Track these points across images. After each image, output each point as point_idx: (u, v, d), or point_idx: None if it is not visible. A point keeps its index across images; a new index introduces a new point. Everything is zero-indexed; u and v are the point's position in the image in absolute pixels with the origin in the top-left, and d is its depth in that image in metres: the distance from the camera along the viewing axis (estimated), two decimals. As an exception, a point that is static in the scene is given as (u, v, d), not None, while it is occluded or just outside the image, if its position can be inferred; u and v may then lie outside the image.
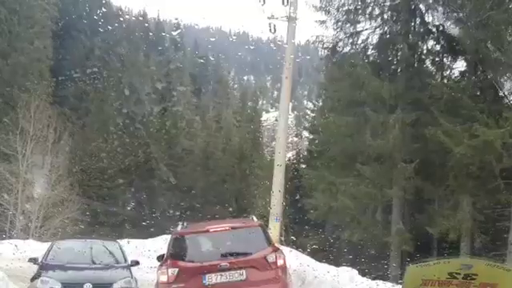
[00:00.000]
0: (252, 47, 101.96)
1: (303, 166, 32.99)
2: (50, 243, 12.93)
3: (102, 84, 41.57)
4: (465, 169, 19.09)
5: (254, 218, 10.41)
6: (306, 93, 75.02)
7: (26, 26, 41.29)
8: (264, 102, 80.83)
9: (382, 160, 21.94)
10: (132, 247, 16.15)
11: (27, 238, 23.86)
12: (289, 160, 30.69)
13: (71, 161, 30.64)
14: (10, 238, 24.69)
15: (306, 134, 46.07)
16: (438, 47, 23.70)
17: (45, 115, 30.01)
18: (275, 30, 25.84)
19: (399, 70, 23.63)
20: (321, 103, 33.61)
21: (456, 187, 19.95)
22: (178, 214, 34.73)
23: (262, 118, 61.31)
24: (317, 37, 24.90)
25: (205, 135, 43.33)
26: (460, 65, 23.01)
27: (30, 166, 28.81)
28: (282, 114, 26.71)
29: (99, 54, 44.17)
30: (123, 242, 16.53)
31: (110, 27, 46.42)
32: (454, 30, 22.62)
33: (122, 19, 49.41)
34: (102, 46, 44.92)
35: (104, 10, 49.11)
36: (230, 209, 33.95)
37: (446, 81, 22.84)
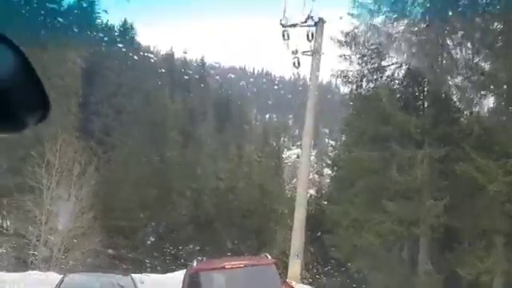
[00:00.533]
0: (275, 86, 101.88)
1: (325, 202, 31.49)
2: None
3: (127, 119, 41.20)
4: (499, 207, 17.44)
5: (268, 256, 10.59)
6: (327, 131, 74.21)
7: (57, 63, 41.22)
8: (286, 139, 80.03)
9: (409, 196, 20.54)
10: (149, 282, 14.93)
11: (48, 270, 23.35)
12: (310, 196, 29.19)
13: (94, 194, 29.84)
14: (32, 269, 24.07)
15: (327, 171, 45.04)
16: (466, 83, 22.46)
17: (71, 149, 29.53)
18: (299, 65, 25.11)
19: (426, 105, 22.66)
20: (344, 138, 32.48)
21: (488, 226, 18.26)
22: (197, 248, 33.61)
23: (284, 155, 60.82)
24: (341, 71, 24.08)
25: (227, 170, 42.39)
26: (490, 101, 21.76)
27: (55, 198, 28.17)
28: (304, 144, 25.51)
29: (126, 91, 43.98)
30: (140, 276, 15.45)
31: (137, 66, 46.50)
32: (483, 65, 21.39)
33: (148, 57, 49.68)
34: (130, 83, 44.75)
35: (132, 48, 49.39)
36: (250, 244, 32.89)
37: (476, 116, 21.41)
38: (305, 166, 23.98)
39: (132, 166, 37.18)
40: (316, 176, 42.27)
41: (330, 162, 37.07)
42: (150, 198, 35.29)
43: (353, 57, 23.64)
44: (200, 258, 10.92)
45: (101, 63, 45.83)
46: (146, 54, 52.94)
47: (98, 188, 31.10)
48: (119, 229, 32.23)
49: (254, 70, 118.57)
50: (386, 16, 22.38)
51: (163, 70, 53.30)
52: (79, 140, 33.42)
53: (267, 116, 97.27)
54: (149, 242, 36.43)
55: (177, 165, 40.69)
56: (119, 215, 32.23)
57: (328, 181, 39.04)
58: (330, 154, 38.36)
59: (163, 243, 35.35)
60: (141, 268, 25.45)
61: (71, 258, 26.78)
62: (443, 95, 22.26)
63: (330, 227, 25.11)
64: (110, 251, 30.04)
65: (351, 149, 25.46)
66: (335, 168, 32.85)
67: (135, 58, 48.26)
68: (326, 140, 66.39)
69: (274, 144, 56.38)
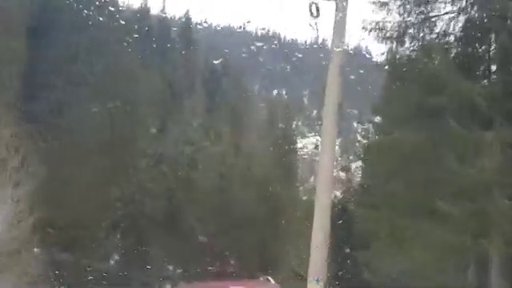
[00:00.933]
0: (285, 53, 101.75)
1: (354, 205, 32.22)
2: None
3: (86, 94, 40.25)
4: None
5: (270, 280, 11.73)
6: (355, 112, 74.27)
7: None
8: (299, 123, 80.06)
9: (473, 195, 19.70)
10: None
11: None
12: (334, 197, 29.52)
13: (37, 194, 28.87)
14: None
15: (356, 166, 45.98)
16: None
17: (6, 133, 28.96)
18: (318, 13, 23.94)
19: (494, 68, 21.98)
20: (378, 119, 31.76)
21: None
22: (179, 270, 32.94)
23: (298, 145, 60.22)
24: (376, 23, 23.25)
25: (219, 164, 41.80)
26: None
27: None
28: (325, 129, 24.09)
29: (85, 58, 43.05)
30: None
31: (101, 25, 45.49)
32: None
33: (115, 14, 48.92)
34: (91, 47, 43.76)
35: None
36: (251, 262, 33.01)
37: None
38: (327, 158, 22.71)
39: (91, 157, 36.15)
40: (341, 173, 42.94)
41: (360, 151, 36.96)
42: (113, 201, 35.04)
43: (391, 4, 23.32)
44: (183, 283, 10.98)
45: (53, 21, 44.96)
46: (112, 9, 52.24)
47: (43, 186, 29.90)
48: (70, 242, 31.53)
49: (256, 30, 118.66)
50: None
51: (135, 31, 52.62)
52: (20, 121, 32.36)
53: (274, 92, 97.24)
54: (112, 261, 35.88)
55: (150, 156, 40.26)
56: (70, 223, 31.30)
57: (358, 179, 39.63)
58: (361, 140, 38.11)
59: (131, 262, 34.57)
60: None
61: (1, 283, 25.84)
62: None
63: (361, 239, 24.91)
64: (55, 274, 29.13)
65: (389, 131, 24.90)
66: (367, 159, 32.44)
67: (98, 14, 47.42)
68: (355, 124, 66.68)
69: (284, 129, 55.59)
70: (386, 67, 26.18)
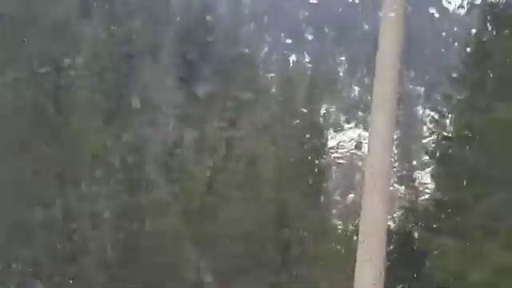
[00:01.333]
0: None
1: (424, 233, 30.68)
2: None
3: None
4: None
5: None
6: (422, 90, 73.63)
7: None
8: (332, 107, 79.18)
9: None
10: None
11: None
12: (390, 220, 29.81)
13: None
14: None
15: (424, 176, 48.82)
16: None
17: None
18: None
19: None
20: (462, 96, 31.16)
21: None
22: None
23: (330, 143, 60.04)
24: None
25: (207, 169, 42.19)
26: None
27: None
28: (377, 117, 23.41)
29: None
30: None
31: None
32: None
33: None
34: None
35: None
36: None
37: None
38: (379, 163, 21.87)
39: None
40: (400, 187, 44.13)
41: (431, 150, 36.12)
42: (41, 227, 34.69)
43: None
44: None
45: None
46: None
47: None
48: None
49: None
50: None
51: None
52: None
53: (292, 58, 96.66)
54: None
55: (97, 159, 39.75)
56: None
57: (428, 193, 39.46)
58: (433, 131, 37.52)
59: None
60: None
61: None
62: None
63: (436, 281, 25.19)
64: None
65: (485, 110, 24.41)
66: (445, 162, 31.72)
67: None
68: (420, 110, 66.39)
69: (308, 117, 55.42)
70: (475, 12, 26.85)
